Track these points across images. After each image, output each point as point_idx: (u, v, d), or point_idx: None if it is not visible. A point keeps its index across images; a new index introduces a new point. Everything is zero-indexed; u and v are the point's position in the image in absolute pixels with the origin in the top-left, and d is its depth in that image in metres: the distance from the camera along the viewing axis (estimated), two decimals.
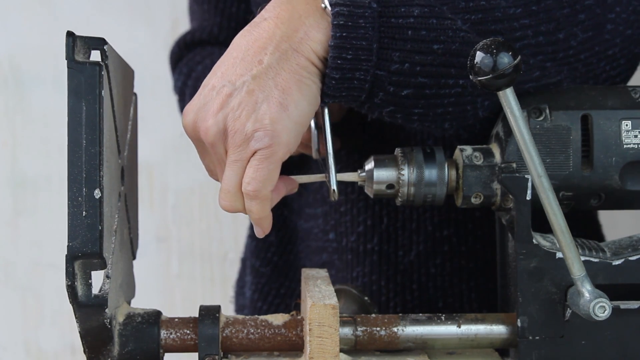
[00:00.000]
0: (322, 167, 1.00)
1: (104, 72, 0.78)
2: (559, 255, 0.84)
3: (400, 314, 0.86)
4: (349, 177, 0.89)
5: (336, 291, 0.85)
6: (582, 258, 0.82)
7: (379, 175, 0.87)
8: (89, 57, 0.78)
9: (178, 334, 0.84)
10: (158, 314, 0.84)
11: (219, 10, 1.24)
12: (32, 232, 1.72)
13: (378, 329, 0.85)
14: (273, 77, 0.81)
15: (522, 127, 0.76)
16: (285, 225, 1.19)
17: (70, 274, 0.77)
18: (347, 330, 0.85)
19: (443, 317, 0.86)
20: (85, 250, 0.76)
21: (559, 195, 0.87)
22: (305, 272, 0.92)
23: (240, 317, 0.85)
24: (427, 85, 0.84)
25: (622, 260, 0.85)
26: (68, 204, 0.76)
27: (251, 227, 1.23)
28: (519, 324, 0.85)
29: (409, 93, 0.84)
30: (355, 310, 0.93)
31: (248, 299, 1.21)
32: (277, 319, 0.85)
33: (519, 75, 0.74)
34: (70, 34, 0.77)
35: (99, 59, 0.78)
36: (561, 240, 0.79)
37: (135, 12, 1.70)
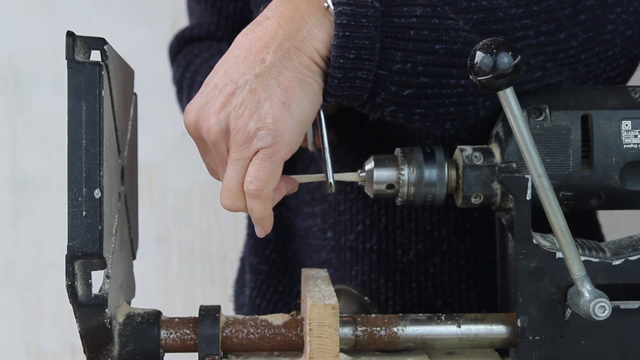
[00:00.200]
0: (319, 160, 1.00)
1: (104, 72, 0.78)
2: (559, 255, 0.84)
3: (400, 314, 0.86)
4: (349, 177, 0.89)
5: (336, 291, 0.85)
6: (582, 258, 0.82)
7: (379, 175, 0.87)
8: (89, 57, 0.78)
9: (178, 334, 0.84)
10: (158, 314, 0.84)
11: (217, 9, 1.24)
12: (32, 232, 1.72)
13: (378, 329, 0.85)
14: (275, 76, 0.81)
15: (522, 127, 0.76)
16: (283, 223, 1.20)
17: (70, 274, 0.77)
18: (347, 330, 0.85)
19: (443, 317, 0.86)
20: (85, 250, 0.76)
21: (559, 195, 0.87)
22: (305, 272, 0.92)
23: (240, 317, 0.85)
24: (429, 85, 0.84)
25: (622, 260, 0.85)
26: (68, 204, 0.76)
27: (250, 226, 1.23)
28: (519, 324, 0.85)
29: (411, 93, 0.84)
30: (355, 310, 0.93)
31: (247, 297, 1.21)
32: (277, 319, 0.85)
33: (519, 75, 0.74)
34: (70, 34, 0.77)
35: (99, 59, 0.78)
36: (561, 240, 0.79)
37: (135, 12, 1.70)
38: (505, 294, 0.89)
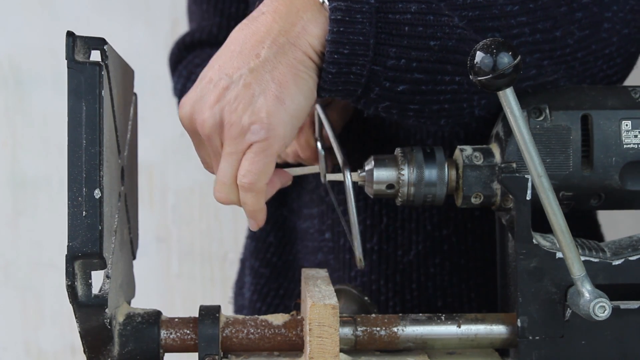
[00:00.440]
0: (330, 194, 1.00)
1: (104, 72, 0.78)
2: (559, 255, 0.84)
3: (400, 314, 0.86)
4: None
5: (336, 291, 0.85)
6: (582, 258, 0.82)
7: (379, 175, 0.87)
8: (89, 57, 0.78)
9: (178, 334, 0.84)
10: (158, 314, 0.84)
11: (218, 11, 1.24)
12: (32, 232, 1.72)
13: (378, 329, 0.85)
14: (270, 70, 0.81)
15: (522, 127, 0.76)
16: (285, 225, 1.19)
17: (70, 274, 0.77)
18: (347, 330, 0.85)
19: (443, 317, 0.86)
20: (85, 250, 0.76)
21: (559, 195, 0.87)
22: (305, 272, 0.92)
23: (240, 317, 0.85)
24: (423, 82, 0.84)
25: (622, 260, 0.85)
26: (68, 204, 0.76)
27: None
28: (519, 324, 0.85)
29: (405, 89, 0.84)
30: (355, 310, 0.93)
31: (247, 300, 1.21)
32: (277, 319, 0.85)
33: (519, 75, 0.74)
34: (70, 34, 0.77)
35: (99, 59, 0.78)
36: (561, 240, 0.79)
37: (135, 12, 1.70)
38: (505, 294, 0.89)
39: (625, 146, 0.87)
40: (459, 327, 0.86)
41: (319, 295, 0.82)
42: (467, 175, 0.86)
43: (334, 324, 0.80)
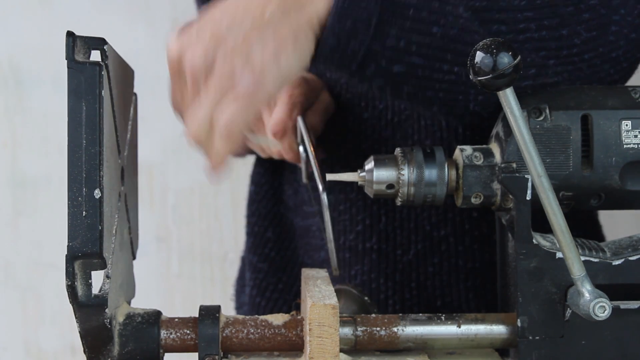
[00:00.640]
0: (310, 189, 1.01)
1: (104, 72, 0.78)
2: (559, 255, 0.84)
3: (400, 314, 0.86)
4: (349, 177, 0.89)
5: (336, 291, 0.85)
6: (582, 258, 0.82)
7: (379, 175, 0.87)
8: (89, 57, 0.78)
9: (178, 334, 0.84)
10: (158, 314, 0.84)
11: None
12: (32, 232, 1.72)
13: (378, 329, 0.85)
14: (273, 29, 0.82)
15: (522, 127, 0.76)
16: (282, 222, 1.20)
17: (70, 274, 0.77)
18: (347, 330, 0.85)
19: (443, 317, 0.86)
20: (85, 250, 0.76)
21: (559, 195, 0.87)
22: (305, 272, 0.92)
23: (240, 317, 0.85)
24: (419, 66, 0.85)
25: (622, 260, 0.85)
26: (68, 204, 0.76)
27: (249, 225, 1.23)
28: (519, 324, 0.85)
29: (401, 71, 0.85)
30: (355, 310, 0.93)
31: (247, 295, 1.21)
32: (277, 319, 0.85)
33: (519, 75, 0.74)
34: (70, 34, 0.77)
35: (99, 59, 0.78)
36: (561, 240, 0.79)
37: (135, 12, 1.70)
38: (505, 294, 0.89)
39: (625, 146, 0.87)
40: (459, 327, 0.86)
41: (319, 295, 0.82)
42: (467, 175, 0.86)
43: (334, 324, 0.80)
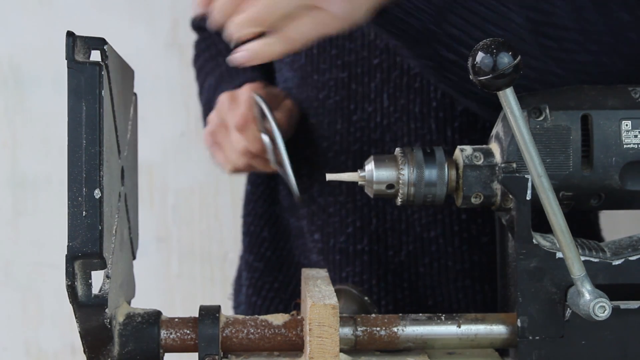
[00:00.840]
0: (284, 176, 1.02)
1: (104, 72, 0.78)
2: (559, 255, 0.84)
3: (400, 314, 0.86)
4: (349, 177, 0.89)
5: (336, 291, 0.85)
6: (582, 258, 0.82)
7: (379, 175, 0.87)
8: (89, 57, 0.78)
9: (178, 334, 0.84)
10: (158, 314, 0.84)
11: None
12: (32, 232, 1.72)
13: (378, 329, 0.85)
14: None
15: (522, 127, 0.76)
16: (278, 222, 1.20)
17: (70, 274, 0.77)
18: (347, 330, 0.85)
19: (443, 317, 0.86)
20: (85, 250, 0.76)
21: (559, 195, 0.87)
22: (305, 272, 0.92)
23: (240, 317, 0.85)
24: (468, 58, 0.86)
25: (622, 260, 0.85)
26: (68, 204, 0.76)
27: (246, 224, 1.24)
28: (519, 324, 0.85)
29: (451, 58, 0.87)
30: (355, 310, 0.93)
31: (244, 295, 1.22)
32: (277, 319, 0.85)
33: (519, 75, 0.74)
34: (70, 34, 0.77)
35: (99, 59, 0.78)
36: (561, 240, 0.79)
37: (135, 12, 1.70)
38: (505, 294, 0.89)
39: (625, 146, 0.87)
40: (459, 327, 0.86)
41: (319, 295, 0.82)
42: (467, 175, 0.86)
43: (334, 324, 0.80)
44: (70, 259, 0.76)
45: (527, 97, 0.87)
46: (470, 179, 0.86)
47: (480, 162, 0.86)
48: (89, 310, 0.78)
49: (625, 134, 0.87)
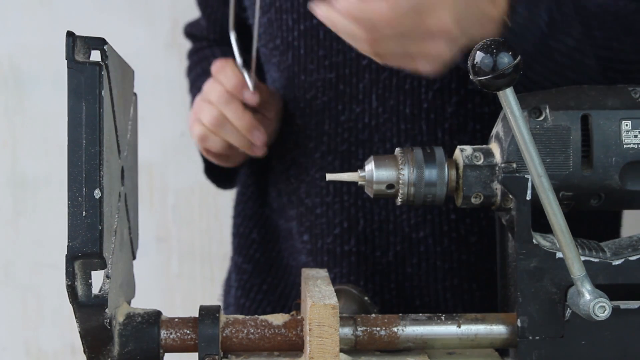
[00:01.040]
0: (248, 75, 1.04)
1: (104, 72, 0.78)
2: (559, 255, 0.84)
3: (400, 314, 0.86)
4: (349, 177, 0.89)
5: (336, 291, 0.85)
6: (582, 258, 0.82)
7: (379, 175, 0.87)
8: (89, 57, 0.78)
9: (178, 334, 0.84)
10: (158, 314, 0.84)
11: (207, 15, 1.29)
12: (32, 232, 1.72)
13: (378, 329, 0.85)
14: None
15: (522, 127, 0.76)
16: (267, 224, 1.20)
17: (70, 274, 0.77)
18: (347, 330, 0.85)
19: (443, 317, 0.86)
20: (85, 250, 0.76)
21: (559, 195, 0.87)
22: (305, 272, 0.92)
23: (240, 317, 0.85)
24: (539, 75, 0.93)
25: (622, 260, 0.85)
26: (68, 204, 0.76)
27: (236, 225, 1.24)
28: (519, 324, 0.85)
29: (529, 75, 0.91)
30: (355, 310, 0.93)
31: (232, 297, 1.22)
32: (277, 319, 0.85)
33: (519, 75, 0.74)
34: (70, 34, 0.77)
35: (99, 59, 0.78)
36: (561, 240, 0.79)
37: (135, 12, 1.70)
38: (505, 294, 0.89)
39: (625, 146, 0.87)
40: (459, 327, 0.86)
41: (319, 295, 0.83)
42: (467, 175, 0.86)
43: (334, 324, 0.80)
44: (70, 259, 0.76)
45: (527, 97, 0.87)
46: (470, 179, 0.86)
47: (480, 162, 0.86)
48: (89, 310, 0.78)
49: (625, 134, 0.87)
